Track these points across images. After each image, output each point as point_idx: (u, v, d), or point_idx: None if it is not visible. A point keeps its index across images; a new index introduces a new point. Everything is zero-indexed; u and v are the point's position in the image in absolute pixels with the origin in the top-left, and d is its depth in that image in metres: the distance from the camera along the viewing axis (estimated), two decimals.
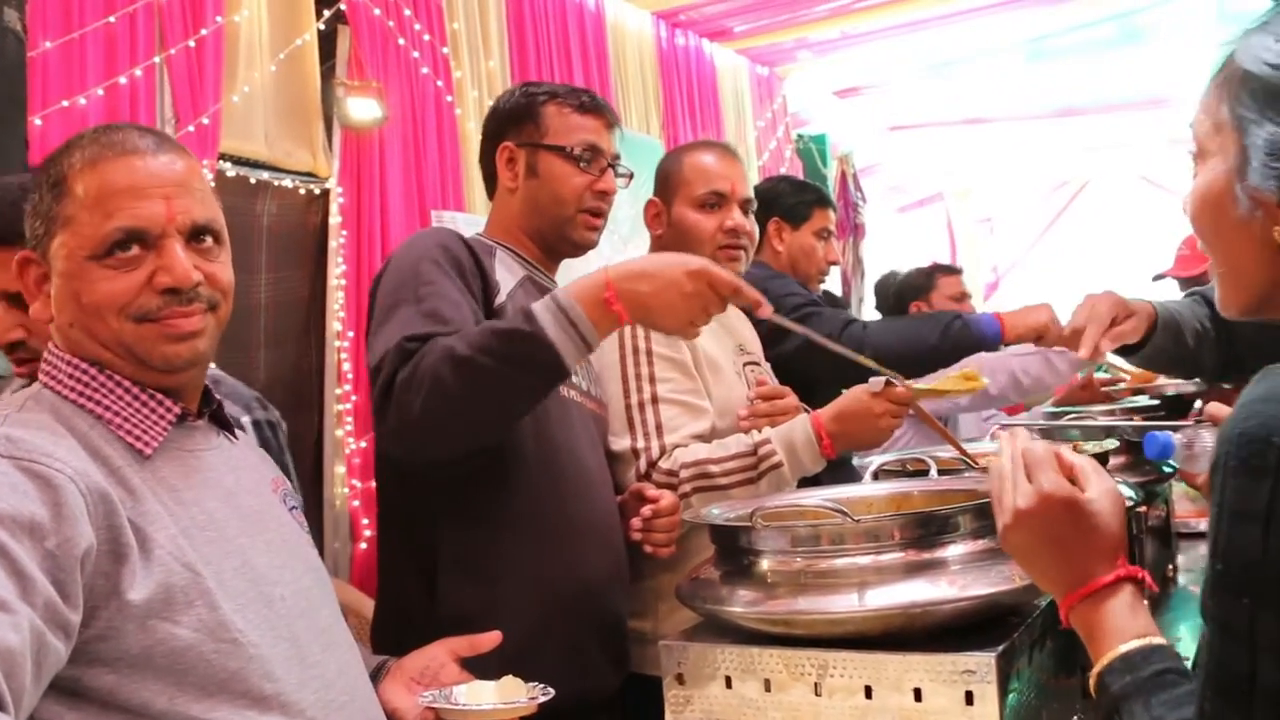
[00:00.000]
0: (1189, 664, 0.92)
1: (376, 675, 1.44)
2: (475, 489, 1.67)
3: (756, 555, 1.29)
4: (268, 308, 3.21)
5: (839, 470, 1.99)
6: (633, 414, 1.89)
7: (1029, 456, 1.02)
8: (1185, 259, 4.22)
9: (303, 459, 3.21)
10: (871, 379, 1.81)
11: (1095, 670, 0.95)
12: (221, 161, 2.98)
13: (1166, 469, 2.08)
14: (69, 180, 1.17)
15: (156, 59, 2.78)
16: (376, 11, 3.38)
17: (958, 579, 1.20)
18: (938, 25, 5.16)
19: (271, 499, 1.33)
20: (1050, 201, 8.60)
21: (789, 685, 1.22)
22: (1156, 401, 2.66)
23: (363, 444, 3.24)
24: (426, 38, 3.56)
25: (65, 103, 2.57)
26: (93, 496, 1.07)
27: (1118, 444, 1.93)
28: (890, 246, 7.24)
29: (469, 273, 1.72)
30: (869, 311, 5.26)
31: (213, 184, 1.69)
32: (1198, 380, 2.41)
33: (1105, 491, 1.00)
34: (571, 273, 1.71)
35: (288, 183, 3.24)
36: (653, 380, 1.90)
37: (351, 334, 3.26)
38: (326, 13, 3.31)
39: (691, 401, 1.92)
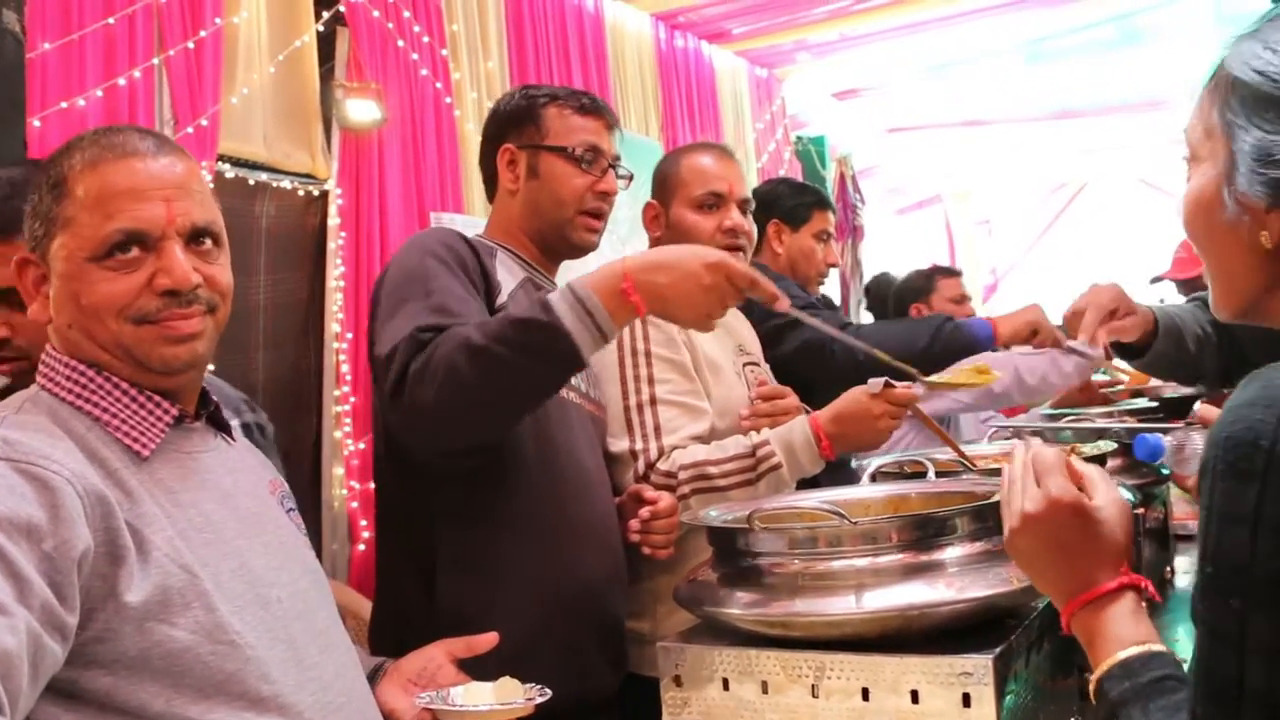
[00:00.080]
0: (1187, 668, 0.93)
1: (374, 676, 1.44)
2: (474, 489, 1.67)
3: (754, 557, 1.29)
4: (266, 309, 3.20)
5: (837, 472, 1.99)
6: (631, 415, 1.89)
7: (1039, 462, 1.03)
8: (1183, 261, 4.24)
9: (301, 460, 3.20)
10: (870, 380, 1.81)
11: (1095, 676, 0.96)
12: (220, 163, 2.97)
13: (1164, 471, 2.08)
14: (69, 181, 1.18)
15: (155, 60, 2.78)
16: (375, 13, 3.38)
17: (955, 581, 1.20)
18: (936, 27, 5.17)
19: (269, 501, 1.33)
20: (1049, 203, 8.62)
21: (786, 687, 1.22)
22: (1155, 404, 2.66)
23: (361, 445, 3.22)
24: (426, 39, 3.56)
25: (64, 104, 2.56)
26: (90, 499, 1.07)
27: (1115, 446, 1.93)
28: (889, 248, 7.24)
29: (472, 271, 1.72)
30: (865, 315, 5.26)
31: (211, 185, 1.68)
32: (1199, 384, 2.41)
33: (1112, 500, 1.01)
34: (571, 275, 1.70)
35: (286, 184, 3.23)
36: (651, 382, 1.90)
37: (350, 335, 3.25)
38: (325, 14, 3.30)
39: (690, 403, 1.92)
